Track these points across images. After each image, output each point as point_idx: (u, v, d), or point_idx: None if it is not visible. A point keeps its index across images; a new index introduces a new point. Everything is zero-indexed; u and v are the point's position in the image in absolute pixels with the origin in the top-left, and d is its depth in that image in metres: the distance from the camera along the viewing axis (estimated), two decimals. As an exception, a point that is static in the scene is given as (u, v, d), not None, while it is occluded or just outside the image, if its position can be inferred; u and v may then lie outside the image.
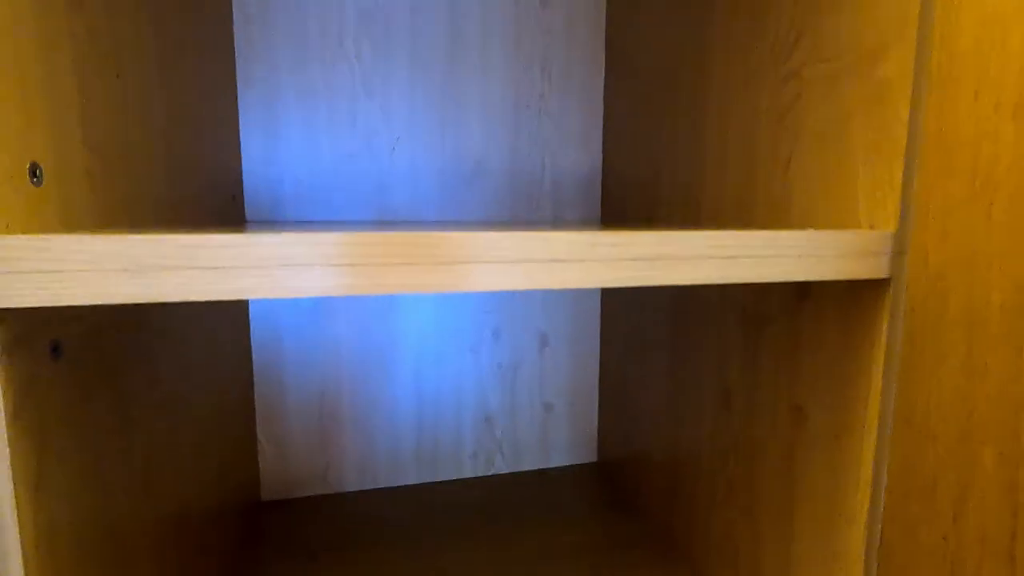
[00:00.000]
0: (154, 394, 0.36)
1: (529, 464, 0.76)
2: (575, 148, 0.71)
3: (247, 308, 0.64)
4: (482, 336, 0.71)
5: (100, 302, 0.22)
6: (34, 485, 0.23)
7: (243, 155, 0.62)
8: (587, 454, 0.78)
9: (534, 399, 0.74)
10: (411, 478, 0.72)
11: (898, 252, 0.31)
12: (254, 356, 0.65)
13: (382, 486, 0.71)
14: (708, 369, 0.51)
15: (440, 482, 0.72)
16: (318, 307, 0.66)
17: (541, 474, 0.74)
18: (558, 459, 0.77)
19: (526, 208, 0.71)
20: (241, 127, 0.62)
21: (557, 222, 0.68)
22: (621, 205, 0.68)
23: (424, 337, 0.70)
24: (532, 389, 0.74)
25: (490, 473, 0.74)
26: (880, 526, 0.33)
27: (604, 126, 0.71)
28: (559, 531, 0.61)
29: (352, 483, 0.70)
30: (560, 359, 0.75)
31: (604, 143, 0.72)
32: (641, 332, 0.64)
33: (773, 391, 0.42)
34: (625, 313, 0.68)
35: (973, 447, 0.27)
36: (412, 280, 0.25)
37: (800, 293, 0.39)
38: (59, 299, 0.21)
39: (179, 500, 0.40)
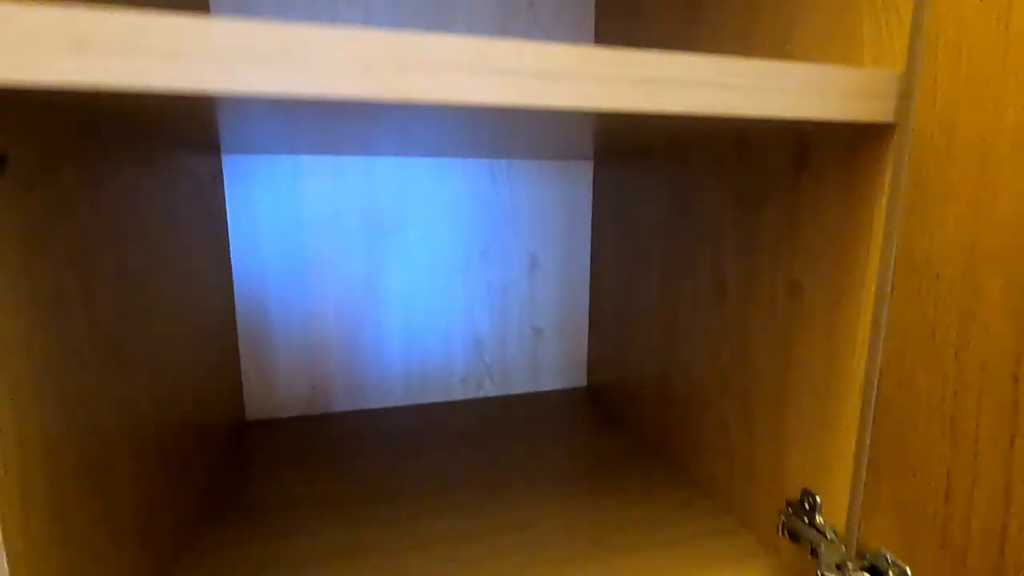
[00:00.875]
0: (122, 276, 0.34)
1: (519, 388, 0.75)
2: (565, 58, 0.68)
3: (225, 214, 0.61)
4: (470, 256, 0.70)
5: (36, 81, 0.19)
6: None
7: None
8: (577, 378, 0.77)
9: (523, 322, 0.73)
10: (399, 400, 0.71)
11: (904, 96, 0.30)
12: (234, 274, 0.63)
13: (369, 407, 0.70)
14: (702, 265, 0.50)
15: (429, 404, 0.71)
16: (302, 224, 0.64)
17: (531, 397, 0.74)
18: (547, 383, 0.76)
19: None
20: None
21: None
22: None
23: (411, 256, 0.68)
24: (522, 312, 0.73)
25: (480, 396, 0.74)
26: (876, 387, 0.33)
27: (595, 34, 0.69)
28: (550, 444, 0.61)
29: (339, 405, 0.69)
30: (550, 282, 0.73)
31: (595, 55, 0.69)
32: (632, 249, 0.63)
33: (770, 271, 0.41)
34: (616, 231, 0.67)
35: (977, 278, 0.26)
36: (386, 85, 0.23)
37: (798, 161, 0.38)
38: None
39: (153, 397, 0.39)
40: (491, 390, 0.74)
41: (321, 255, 0.65)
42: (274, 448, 0.60)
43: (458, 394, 0.73)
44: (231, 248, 0.63)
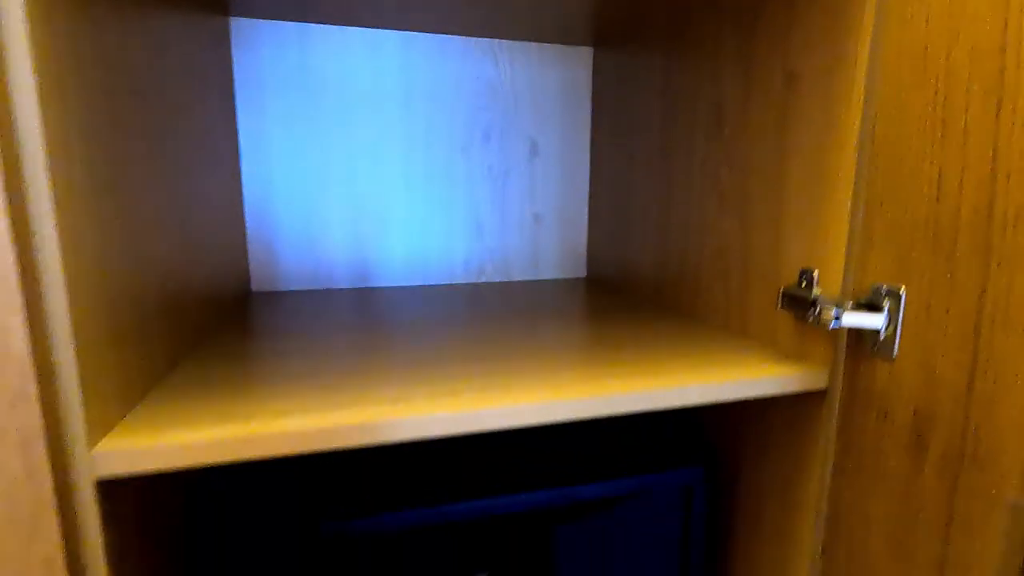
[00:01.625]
0: (145, 134, 0.35)
1: (519, 276, 0.76)
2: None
3: (232, 81, 0.62)
4: (472, 137, 0.71)
5: None
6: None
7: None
8: (576, 269, 0.79)
9: (524, 209, 0.75)
10: (401, 282, 0.72)
11: None
12: (241, 149, 0.64)
13: (371, 286, 0.71)
14: (700, 103, 0.52)
15: (431, 285, 0.72)
16: (307, 97, 0.65)
17: (531, 284, 0.75)
18: (547, 273, 0.78)
19: None
20: None
21: None
22: None
23: (413, 135, 0.69)
24: (522, 198, 0.74)
25: (481, 281, 0.75)
26: (872, 134, 0.34)
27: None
28: (550, 307, 0.62)
29: (340, 282, 0.70)
30: (550, 169, 0.75)
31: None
32: (631, 131, 0.65)
33: (767, 75, 0.43)
34: (615, 116, 0.69)
35: (966, -19, 0.28)
36: None
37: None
38: None
39: (171, 242, 0.40)
40: (492, 276, 0.75)
41: (325, 132, 0.66)
42: (279, 306, 0.60)
43: (459, 278, 0.74)
44: (238, 122, 0.63)
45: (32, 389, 0.24)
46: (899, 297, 0.32)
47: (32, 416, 0.24)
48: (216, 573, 0.36)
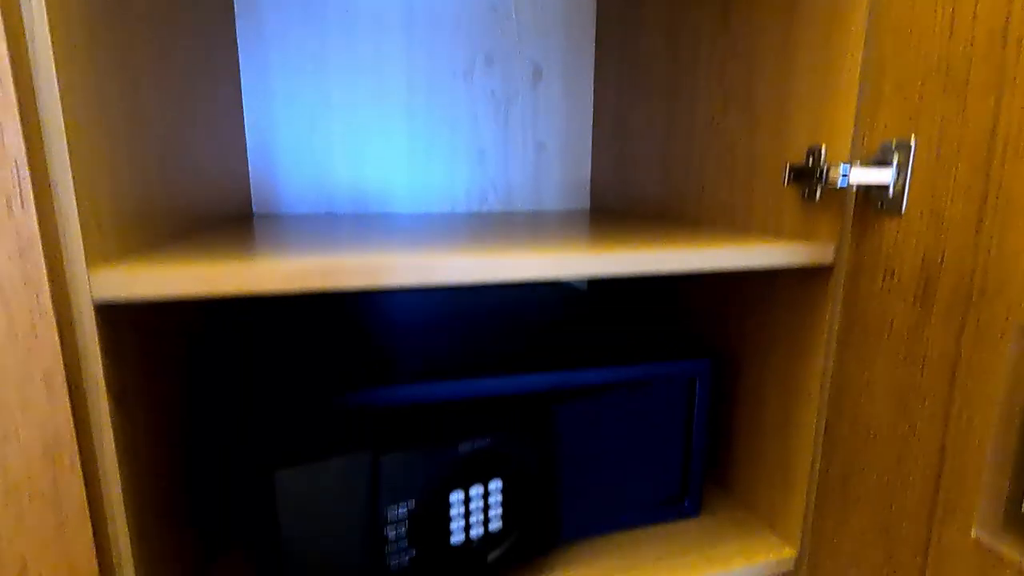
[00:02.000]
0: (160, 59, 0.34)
1: (522, 206, 0.76)
2: None
3: (234, 20, 0.61)
4: (474, 61, 0.70)
5: None
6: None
7: None
8: (580, 200, 0.78)
9: (527, 136, 0.74)
10: (403, 208, 0.72)
11: None
12: (243, 75, 0.63)
13: (372, 212, 0.70)
14: (707, 10, 0.51)
15: (433, 213, 0.72)
16: (309, 16, 0.64)
17: (534, 213, 0.74)
18: (551, 203, 0.77)
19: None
20: None
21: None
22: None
23: (415, 58, 0.68)
24: (525, 125, 0.74)
25: (483, 210, 0.74)
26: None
27: None
28: (553, 225, 0.61)
29: (342, 208, 0.69)
30: (553, 95, 0.74)
31: None
32: (635, 50, 0.64)
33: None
34: (620, 35, 0.67)
35: None
36: None
37: None
38: None
39: (171, 164, 0.39)
40: (494, 205, 0.75)
41: (326, 55, 0.65)
42: (281, 221, 0.60)
43: (461, 206, 0.74)
44: (239, 47, 0.62)
45: (28, 192, 0.24)
46: (909, 148, 0.32)
47: (28, 220, 0.24)
48: (218, 428, 0.36)
